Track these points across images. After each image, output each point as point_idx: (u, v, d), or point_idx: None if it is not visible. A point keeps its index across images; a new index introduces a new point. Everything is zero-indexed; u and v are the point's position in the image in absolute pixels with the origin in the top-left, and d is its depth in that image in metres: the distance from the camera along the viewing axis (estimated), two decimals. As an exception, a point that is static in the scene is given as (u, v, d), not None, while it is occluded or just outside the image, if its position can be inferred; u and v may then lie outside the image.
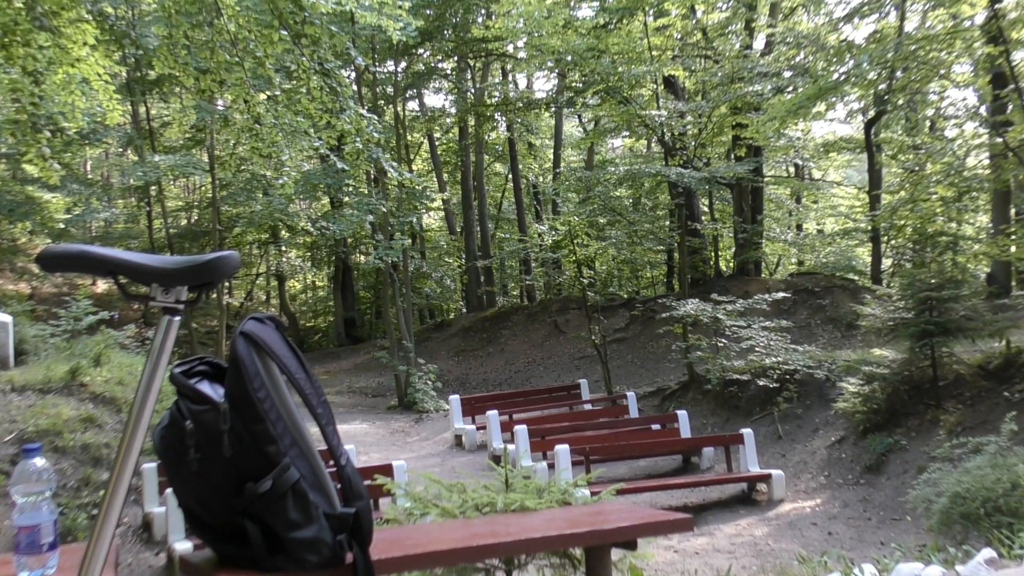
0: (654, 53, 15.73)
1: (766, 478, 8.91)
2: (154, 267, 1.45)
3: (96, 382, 8.21)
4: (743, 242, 19.40)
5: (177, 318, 1.47)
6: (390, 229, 16.42)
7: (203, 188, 26.60)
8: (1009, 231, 12.52)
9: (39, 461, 1.65)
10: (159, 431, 1.72)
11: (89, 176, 25.25)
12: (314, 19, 8.01)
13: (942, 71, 12.17)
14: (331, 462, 1.86)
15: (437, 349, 20.39)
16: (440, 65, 23.81)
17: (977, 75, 11.87)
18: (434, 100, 34.54)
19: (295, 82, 10.14)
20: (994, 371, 9.02)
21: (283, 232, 24.70)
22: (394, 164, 10.13)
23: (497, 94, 24.82)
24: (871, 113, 18.41)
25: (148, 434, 1.48)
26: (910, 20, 15.55)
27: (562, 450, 8.61)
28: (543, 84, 28.24)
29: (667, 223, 19.98)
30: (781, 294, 13.92)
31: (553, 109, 23.69)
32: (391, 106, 21.72)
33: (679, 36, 18.23)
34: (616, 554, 2.85)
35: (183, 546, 6.26)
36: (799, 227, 25.82)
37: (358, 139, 8.72)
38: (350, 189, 19.55)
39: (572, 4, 18.35)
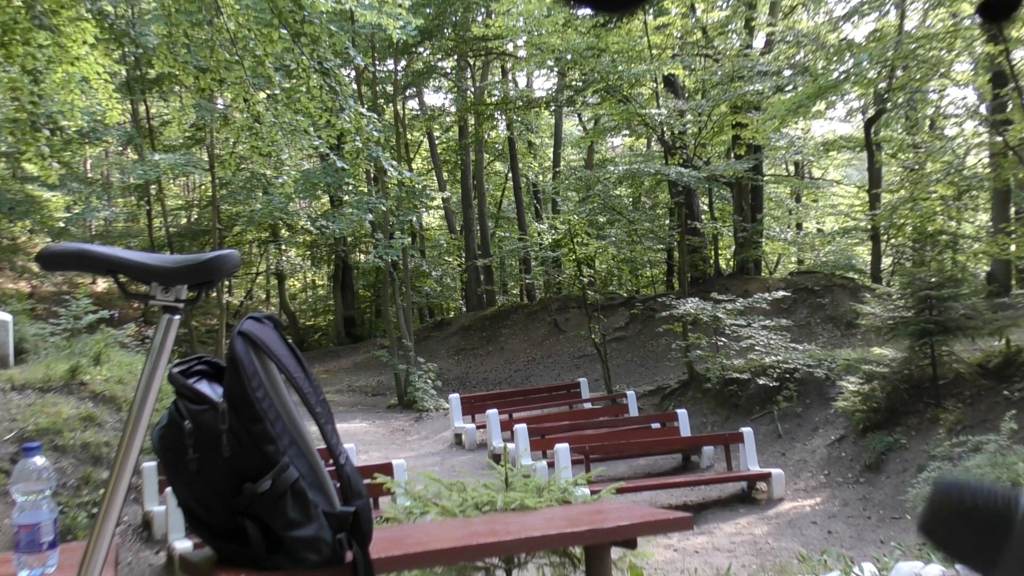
0: (654, 52, 15.73)
1: (766, 477, 8.91)
2: (154, 266, 1.44)
3: (96, 381, 8.21)
4: (743, 241, 19.41)
5: (177, 317, 1.47)
6: (390, 228, 16.42)
7: (203, 187, 26.59)
8: (1009, 230, 12.51)
9: (39, 460, 1.65)
10: (158, 431, 1.72)
11: (89, 175, 25.24)
12: (314, 18, 8.01)
13: (942, 70, 12.17)
14: (330, 461, 1.87)
15: (437, 348, 20.39)
16: (440, 64, 23.79)
17: (977, 73, 11.87)
18: (434, 99, 34.53)
19: (295, 81, 10.14)
20: (994, 370, 9.02)
21: (283, 231, 24.70)
22: (394, 163, 10.13)
23: (497, 93, 24.81)
24: (871, 112, 18.41)
25: (148, 433, 1.48)
26: (910, 19, 15.55)
27: (562, 449, 8.62)
28: (543, 83, 28.27)
29: (667, 222, 19.99)
30: (781, 293, 13.92)
31: (553, 108, 23.68)
32: (391, 105, 21.71)
33: (679, 35, 18.22)
34: (616, 553, 2.86)
35: (183, 545, 6.26)
36: (799, 226, 25.81)
37: (358, 138, 8.72)
38: (350, 188, 19.55)
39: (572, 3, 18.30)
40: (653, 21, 15.82)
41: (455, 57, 22.95)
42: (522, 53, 21.87)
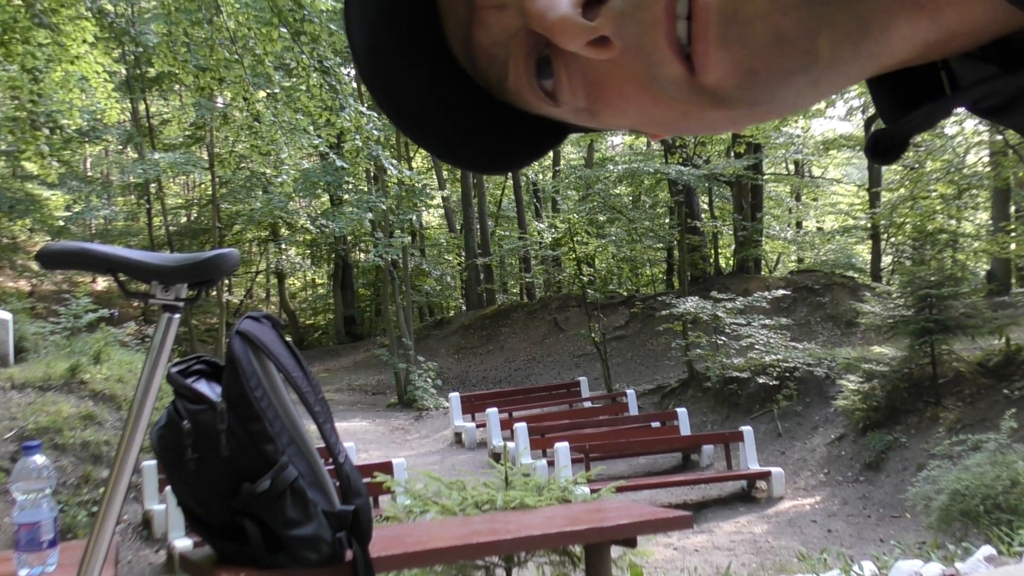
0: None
1: (765, 475, 8.91)
2: (154, 264, 1.44)
3: (96, 379, 8.21)
4: (743, 240, 19.41)
5: (177, 315, 1.47)
6: (390, 227, 16.42)
7: (203, 186, 26.58)
8: (1009, 228, 12.52)
9: (39, 458, 1.65)
10: (156, 431, 1.72)
11: (89, 174, 25.23)
12: (313, 16, 8.00)
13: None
14: (330, 460, 1.87)
15: (437, 347, 20.39)
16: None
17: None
18: (434, 97, 34.50)
19: (295, 79, 10.14)
20: (993, 368, 9.02)
21: (283, 230, 24.70)
22: (394, 162, 10.13)
23: (497, 91, 24.77)
24: (871, 110, 18.40)
25: (148, 432, 1.48)
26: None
27: (562, 448, 8.62)
28: (543, 81, 28.19)
29: (667, 221, 19.99)
30: (781, 292, 13.92)
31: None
32: (391, 103, 21.68)
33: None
34: (616, 551, 2.86)
35: (183, 543, 6.26)
36: (799, 225, 25.81)
37: (358, 137, 8.71)
38: (350, 187, 19.55)
39: None
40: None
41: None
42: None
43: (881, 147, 0.42)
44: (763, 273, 21.05)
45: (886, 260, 19.26)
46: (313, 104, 8.38)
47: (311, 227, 20.43)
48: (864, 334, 13.24)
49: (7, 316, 8.83)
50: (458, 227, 26.65)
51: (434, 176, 25.89)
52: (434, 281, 25.41)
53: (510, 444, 9.44)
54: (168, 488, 2.16)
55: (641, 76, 0.38)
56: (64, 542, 1.76)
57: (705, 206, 20.94)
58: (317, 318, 29.61)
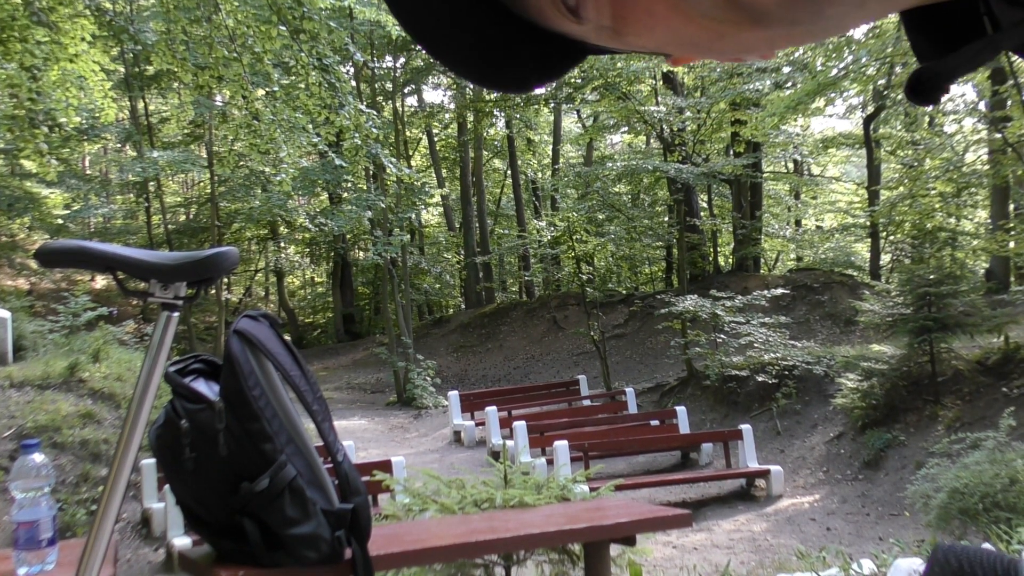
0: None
1: (765, 474, 8.92)
2: (153, 263, 1.44)
3: (95, 378, 8.21)
4: (742, 238, 19.41)
5: (176, 314, 1.47)
6: (389, 225, 16.41)
7: (201, 184, 26.56)
8: (1008, 227, 12.52)
9: (38, 457, 1.65)
10: (155, 430, 1.72)
11: (87, 172, 25.21)
12: (312, 14, 7.99)
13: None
14: (328, 459, 1.87)
15: (436, 345, 20.39)
16: (439, 61, 23.73)
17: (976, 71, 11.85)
18: (433, 96, 34.54)
19: (294, 78, 10.13)
20: (992, 367, 9.03)
21: (282, 228, 24.69)
22: (393, 160, 10.12)
23: (496, 90, 24.75)
24: (870, 109, 18.40)
25: (147, 430, 1.48)
26: (909, 16, 15.51)
27: (561, 446, 8.62)
28: (542, 80, 28.16)
29: (666, 219, 19.98)
30: (780, 290, 13.93)
31: (552, 105, 23.64)
32: (390, 102, 21.70)
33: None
34: (615, 550, 2.86)
35: (182, 542, 6.27)
36: (798, 223, 25.81)
37: (357, 135, 8.70)
38: (349, 185, 19.53)
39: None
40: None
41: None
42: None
43: (921, 87, 0.40)
44: (762, 271, 21.06)
45: (885, 258, 19.26)
46: (312, 102, 8.37)
47: (310, 225, 20.41)
48: (863, 332, 13.25)
49: (6, 314, 8.82)
50: (457, 225, 26.64)
51: (433, 174, 25.89)
52: (433, 279, 25.41)
53: (509, 442, 9.44)
54: (167, 487, 2.16)
55: None
56: (63, 540, 1.75)
57: (704, 204, 20.94)
58: (316, 316, 29.61)
